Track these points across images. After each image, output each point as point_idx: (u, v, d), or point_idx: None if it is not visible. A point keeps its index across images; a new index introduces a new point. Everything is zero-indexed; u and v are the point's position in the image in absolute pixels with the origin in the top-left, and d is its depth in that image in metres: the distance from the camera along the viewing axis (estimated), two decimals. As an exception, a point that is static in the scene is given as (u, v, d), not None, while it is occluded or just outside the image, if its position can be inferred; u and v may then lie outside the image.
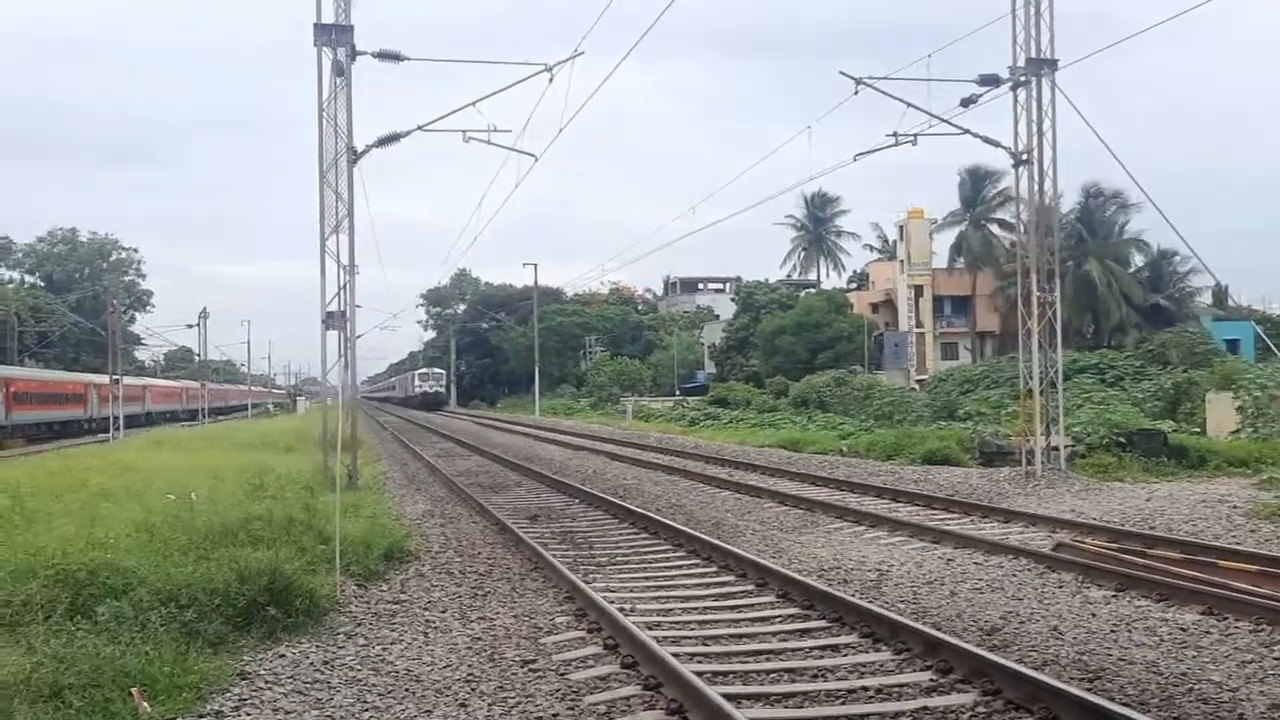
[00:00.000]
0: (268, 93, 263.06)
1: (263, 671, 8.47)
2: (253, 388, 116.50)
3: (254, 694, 7.92)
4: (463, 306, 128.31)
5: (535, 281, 78.08)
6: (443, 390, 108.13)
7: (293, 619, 9.79)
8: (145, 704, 7.28)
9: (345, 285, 20.11)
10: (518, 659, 8.84)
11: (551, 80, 21.54)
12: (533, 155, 24.50)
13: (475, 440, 41.88)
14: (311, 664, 8.78)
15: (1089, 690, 7.41)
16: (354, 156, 20.42)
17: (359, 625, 10.19)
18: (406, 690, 8.06)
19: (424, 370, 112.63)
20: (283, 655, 9.00)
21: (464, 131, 22.59)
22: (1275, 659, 8.26)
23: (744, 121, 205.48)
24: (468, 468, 29.41)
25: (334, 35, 19.71)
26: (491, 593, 11.72)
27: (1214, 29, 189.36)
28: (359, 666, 8.73)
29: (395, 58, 20.84)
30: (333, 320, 19.90)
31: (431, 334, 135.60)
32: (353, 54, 20.02)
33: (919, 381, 64.19)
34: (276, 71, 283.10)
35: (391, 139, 21.82)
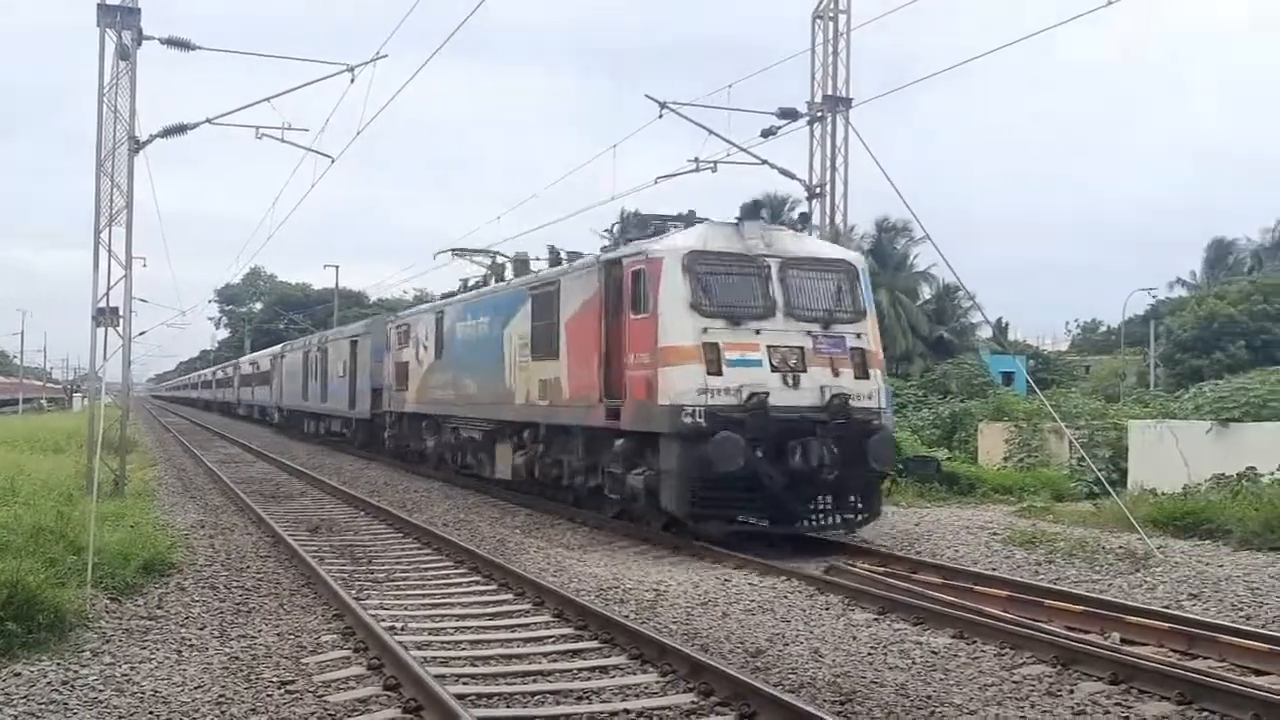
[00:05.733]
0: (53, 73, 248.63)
1: (-8, 692, 7.91)
2: (24, 380, 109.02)
3: (-22, 718, 7.38)
4: (259, 305, 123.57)
5: (336, 284, 75.96)
6: None
7: (34, 635, 9.21)
8: None
9: (121, 279, 19.10)
10: (275, 680, 8.51)
11: (353, 81, 21.03)
12: (329, 156, 23.81)
13: (263, 445, 40.42)
14: (49, 683, 8.26)
15: (839, 715, 7.68)
16: (136, 146, 19.43)
17: (108, 642, 9.64)
18: (151, 713, 7.66)
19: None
20: (18, 674, 8.44)
21: (257, 127, 21.83)
22: (1014, 682, 8.70)
23: (554, 132, 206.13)
24: (251, 475, 28.27)
25: (119, 17, 18.73)
26: (256, 609, 11.27)
27: (1038, 66, 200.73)
28: (101, 686, 8.25)
29: (185, 46, 19.91)
30: (105, 316, 18.84)
31: (225, 333, 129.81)
32: (139, 38, 19.03)
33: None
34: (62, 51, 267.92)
35: (178, 130, 20.82)
